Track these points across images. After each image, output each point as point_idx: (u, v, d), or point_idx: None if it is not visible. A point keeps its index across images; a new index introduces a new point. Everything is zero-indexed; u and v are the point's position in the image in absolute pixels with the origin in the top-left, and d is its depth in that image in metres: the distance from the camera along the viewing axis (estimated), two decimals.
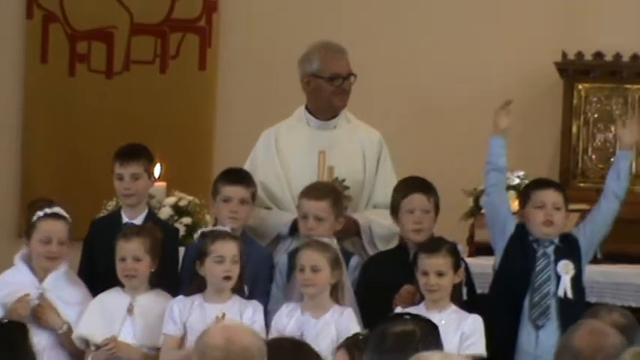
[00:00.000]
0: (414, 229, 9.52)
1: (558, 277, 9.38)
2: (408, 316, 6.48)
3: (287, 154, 10.54)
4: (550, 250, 9.53)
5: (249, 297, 9.14)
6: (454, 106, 13.25)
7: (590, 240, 9.76)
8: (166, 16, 13.68)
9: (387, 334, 5.96)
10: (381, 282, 9.43)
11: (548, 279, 9.40)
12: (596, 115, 12.97)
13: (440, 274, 8.85)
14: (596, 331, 6.40)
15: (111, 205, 11.08)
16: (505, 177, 9.52)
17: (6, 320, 7.98)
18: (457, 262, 9.14)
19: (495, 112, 9.13)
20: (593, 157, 12.91)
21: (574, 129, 12.86)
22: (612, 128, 12.71)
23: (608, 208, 9.37)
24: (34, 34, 14.19)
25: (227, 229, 9.59)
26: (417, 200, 9.59)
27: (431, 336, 5.97)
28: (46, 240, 9.36)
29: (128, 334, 9.04)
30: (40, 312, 9.19)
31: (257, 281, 9.62)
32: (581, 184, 12.55)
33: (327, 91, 10.34)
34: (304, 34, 12.00)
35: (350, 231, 10.18)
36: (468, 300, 9.46)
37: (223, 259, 8.99)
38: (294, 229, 10.00)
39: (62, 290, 9.48)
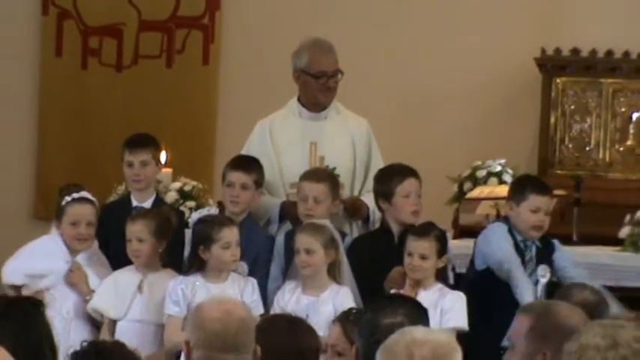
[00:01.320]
0: (413, 210, 9.93)
1: (536, 281, 9.86)
2: (398, 301, 6.96)
3: (280, 145, 10.89)
4: (533, 252, 9.94)
5: (250, 276, 9.52)
6: (439, 99, 13.66)
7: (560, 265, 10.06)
8: (172, 14, 14.07)
9: (378, 325, 6.30)
10: (367, 262, 9.82)
11: (535, 283, 9.78)
12: (572, 107, 13.54)
13: (423, 257, 9.21)
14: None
15: (120, 189, 11.41)
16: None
17: (23, 295, 8.93)
18: (443, 249, 9.55)
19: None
20: (570, 146, 13.47)
21: (552, 120, 13.42)
22: (588, 119, 13.47)
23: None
24: (49, 29, 14.60)
25: (214, 211, 10.22)
26: (413, 185, 10.00)
27: (419, 321, 6.28)
28: (75, 223, 9.79)
29: (137, 310, 9.45)
30: (72, 276, 9.60)
31: (257, 262, 10.01)
32: (559, 172, 13.03)
33: (313, 87, 10.75)
34: (298, 32, 12.02)
35: (362, 214, 10.61)
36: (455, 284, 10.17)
37: (230, 245, 9.38)
38: (282, 214, 10.50)
39: (90, 268, 9.89)
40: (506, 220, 10.26)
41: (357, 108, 11.49)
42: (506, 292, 9.35)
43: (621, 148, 13.38)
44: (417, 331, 5.42)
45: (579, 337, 5.35)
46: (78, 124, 14.53)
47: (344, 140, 10.92)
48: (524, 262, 9.87)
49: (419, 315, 6.52)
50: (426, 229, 9.64)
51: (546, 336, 6.20)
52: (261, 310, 9.18)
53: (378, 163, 10.76)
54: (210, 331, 6.30)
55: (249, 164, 10.43)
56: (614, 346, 5.10)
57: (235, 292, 9.28)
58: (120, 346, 6.08)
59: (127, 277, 9.63)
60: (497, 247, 10.10)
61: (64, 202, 9.98)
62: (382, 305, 6.81)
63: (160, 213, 10.07)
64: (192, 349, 6.33)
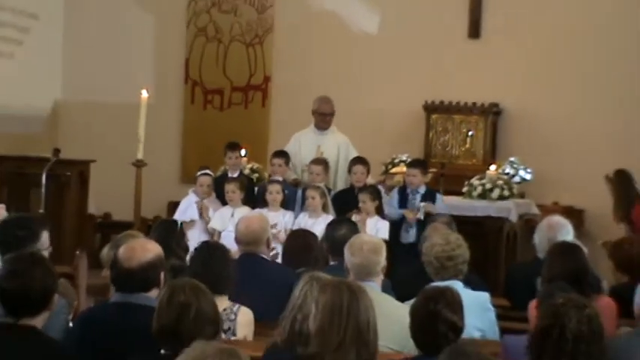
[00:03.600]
0: (357, 180, 10.83)
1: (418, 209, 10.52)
2: (346, 222, 8.34)
3: (302, 146, 11.55)
4: (417, 197, 10.66)
5: (283, 208, 10.39)
6: (372, 128, 13.21)
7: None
8: (247, 82, 14.37)
9: (334, 235, 7.46)
10: (341, 204, 10.61)
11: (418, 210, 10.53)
12: (440, 129, 13.57)
13: (364, 202, 10.18)
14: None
15: (221, 169, 11.71)
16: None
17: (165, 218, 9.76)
18: (376, 196, 10.47)
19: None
20: (439, 147, 13.63)
21: (430, 135, 13.45)
22: (447, 135, 13.60)
23: None
24: (187, 91, 14.63)
25: (279, 178, 10.89)
26: (359, 168, 10.88)
27: (356, 232, 7.44)
28: (200, 185, 10.83)
29: (230, 226, 9.89)
30: (202, 210, 10.55)
31: (289, 202, 10.71)
32: (433, 160, 13.06)
33: (319, 119, 11.55)
34: (316, 92, 12.16)
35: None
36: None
37: (272, 193, 10.41)
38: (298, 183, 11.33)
39: (210, 205, 10.77)
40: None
41: (340, 127, 11.79)
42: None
43: (463, 148, 13.53)
44: (365, 236, 6.64)
45: (431, 239, 6.70)
46: (201, 135, 14.33)
47: (334, 146, 11.52)
48: (408, 202, 10.80)
49: (355, 230, 7.66)
50: (367, 188, 10.61)
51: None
52: (291, 227, 9.86)
53: (353, 156, 11.40)
54: (239, 231, 7.38)
55: (282, 154, 11.21)
56: (448, 243, 6.33)
57: (280, 217, 10.30)
58: (220, 245, 6.86)
59: (226, 210, 10.56)
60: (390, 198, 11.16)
61: (197, 174, 11.07)
62: (339, 222, 8.26)
63: (242, 179, 11.11)
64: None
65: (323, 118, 11.52)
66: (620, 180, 11.62)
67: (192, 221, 10.25)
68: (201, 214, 10.50)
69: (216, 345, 3.41)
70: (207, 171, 11.08)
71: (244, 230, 7.18)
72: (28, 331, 4.48)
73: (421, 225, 9.82)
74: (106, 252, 6.44)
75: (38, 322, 4.50)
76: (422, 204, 10.47)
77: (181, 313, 4.22)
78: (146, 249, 5.14)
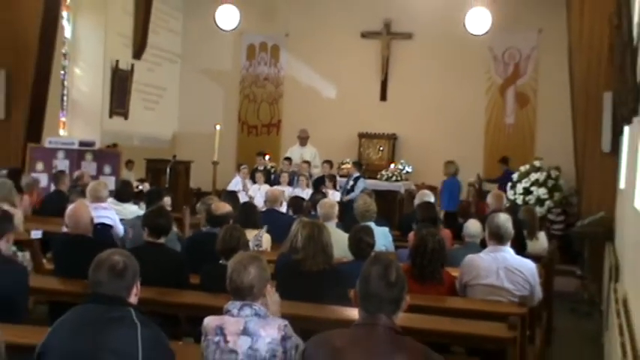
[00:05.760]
0: (324, 171, 10.56)
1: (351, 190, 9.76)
2: (322, 192, 8.25)
3: (294, 154, 11.74)
4: (350, 182, 10.19)
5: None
6: (327, 145, 12.46)
7: None
8: (269, 122, 14.41)
9: (314, 199, 6.88)
10: (317, 183, 10.35)
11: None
12: (369, 151, 13.31)
13: (328, 182, 9.87)
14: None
15: (255, 166, 11.29)
16: None
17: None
18: (333, 179, 10.18)
19: None
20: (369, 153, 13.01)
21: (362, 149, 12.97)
22: (369, 150, 13.09)
23: None
24: (239, 126, 14.36)
25: (286, 170, 10.46)
26: (325, 165, 10.95)
27: (325, 197, 6.83)
28: (243, 172, 10.51)
29: (259, 196, 9.44)
30: (244, 185, 10.12)
31: (292, 183, 10.31)
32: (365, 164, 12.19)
33: (300, 140, 11.89)
34: (307, 125, 12.21)
35: None
36: None
37: (283, 177, 10.21)
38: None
39: (248, 182, 10.24)
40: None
41: (314, 142, 11.87)
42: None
43: (377, 156, 13.42)
44: (328, 199, 6.39)
45: (358, 201, 6.02)
46: (245, 149, 13.95)
47: (309, 153, 11.67)
48: (348, 183, 10.51)
49: (324, 196, 7.26)
50: (329, 175, 10.37)
51: None
52: (291, 194, 8.80)
53: (319, 159, 11.34)
54: (267, 195, 7.01)
55: (288, 158, 11.24)
56: (365, 203, 5.87)
57: (287, 189, 9.72)
58: (253, 204, 6.70)
59: (256, 186, 10.37)
60: None
61: (241, 167, 10.97)
62: (315, 192, 8.21)
63: (265, 170, 11.11)
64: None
65: (303, 139, 11.81)
66: (503, 164, 11.67)
67: (238, 191, 9.67)
68: (243, 188, 10.34)
69: (249, 252, 3.32)
70: (245, 165, 11.22)
71: (270, 194, 7.16)
72: (161, 245, 4.40)
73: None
74: (198, 206, 6.05)
75: (162, 240, 4.44)
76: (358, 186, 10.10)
77: (235, 239, 4.15)
78: (224, 206, 5.17)
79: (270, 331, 2.62)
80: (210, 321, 2.72)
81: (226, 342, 2.63)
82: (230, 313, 2.68)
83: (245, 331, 2.62)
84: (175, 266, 4.25)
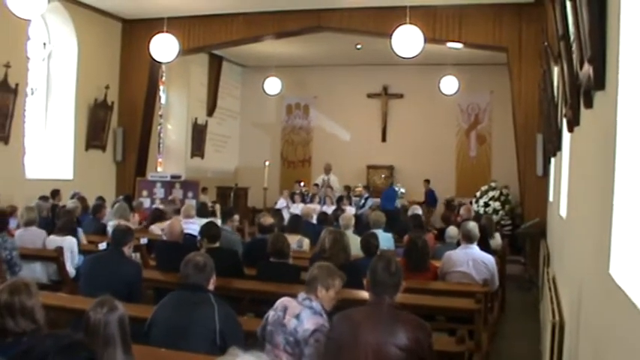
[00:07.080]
0: (343, 192, 9.83)
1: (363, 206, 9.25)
2: (342, 208, 7.72)
3: (320, 180, 10.89)
4: (363, 200, 9.60)
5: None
6: (344, 174, 11.89)
7: None
8: (303, 158, 13.73)
9: (337, 214, 6.47)
10: (339, 201, 9.37)
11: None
12: (372, 175, 12.64)
13: (346, 200, 9.18)
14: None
15: (293, 190, 10.76)
16: None
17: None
18: (349, 198, 9.50)
19: None
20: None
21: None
22: (375, 177, 12.48)
23: None
24: (282, 162, 13.91)
25: (317, 193, 9.82)
26: (344, 188, 10.11)
27: (344, 212, 6.60)
28: (285, 195, 10.06)
29: (298, 211, 7.55)
30: (287, 203, 9.51)
31: (320, 201, 9.80)
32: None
33: (325, 170, 10.91)
34: (325, 154, 11.84)
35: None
36: None
37: (314, 197, 9.56)
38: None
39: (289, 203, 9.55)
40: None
41: (335, 171, 11.23)
42: None
43: (380, 182, 12.69)
44: (347, 214, 5.90)
45: (370, 215, 5.66)
46: (286, 178, 13.44)
47: (333, 179, 11.04)
48: (360, 201, 9.97)
49: (343, 212, 6.91)
50: (347, 196, 9.73)
51: None
52: (321, 209, 8.04)
53: (339, 184, 10.72)
54: (302, 210, 6.52)
55: (316, 184, 10.73)
56: (377, 216, 5.37)
57: (317, 206, 9.10)
58: (298, 216, 5.88)
59: (296, 204, 9.46)
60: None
61: (283, 192, 10.42)
62: (337, 209, 7.84)
63: (300, 193, 10.31)
64: None
65: (327, 170, 11.20)
66: (426, 184, 11.45)
67: (282, 208, 9.32)
68: (286, 206, 9.80)
69: (327, 263, 2.97)
70: (287, 190, 10.97)
71: (304, 210, 6.95)
72: (216, 248, 4.06)
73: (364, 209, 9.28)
74: (258, 220, 5.37)
75: (217, 244, 4.16)
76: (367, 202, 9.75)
77: (281, 243, 3.97)
78: (269, 219, 4.95)
79: (310, 325, 2.56)
80: (282, 300, 2.68)
81: (284, 317, 2.62)
82: (297, 299, 2.64)
83: (297, 317, 2.59)
84: (233, 262, 4.17)
